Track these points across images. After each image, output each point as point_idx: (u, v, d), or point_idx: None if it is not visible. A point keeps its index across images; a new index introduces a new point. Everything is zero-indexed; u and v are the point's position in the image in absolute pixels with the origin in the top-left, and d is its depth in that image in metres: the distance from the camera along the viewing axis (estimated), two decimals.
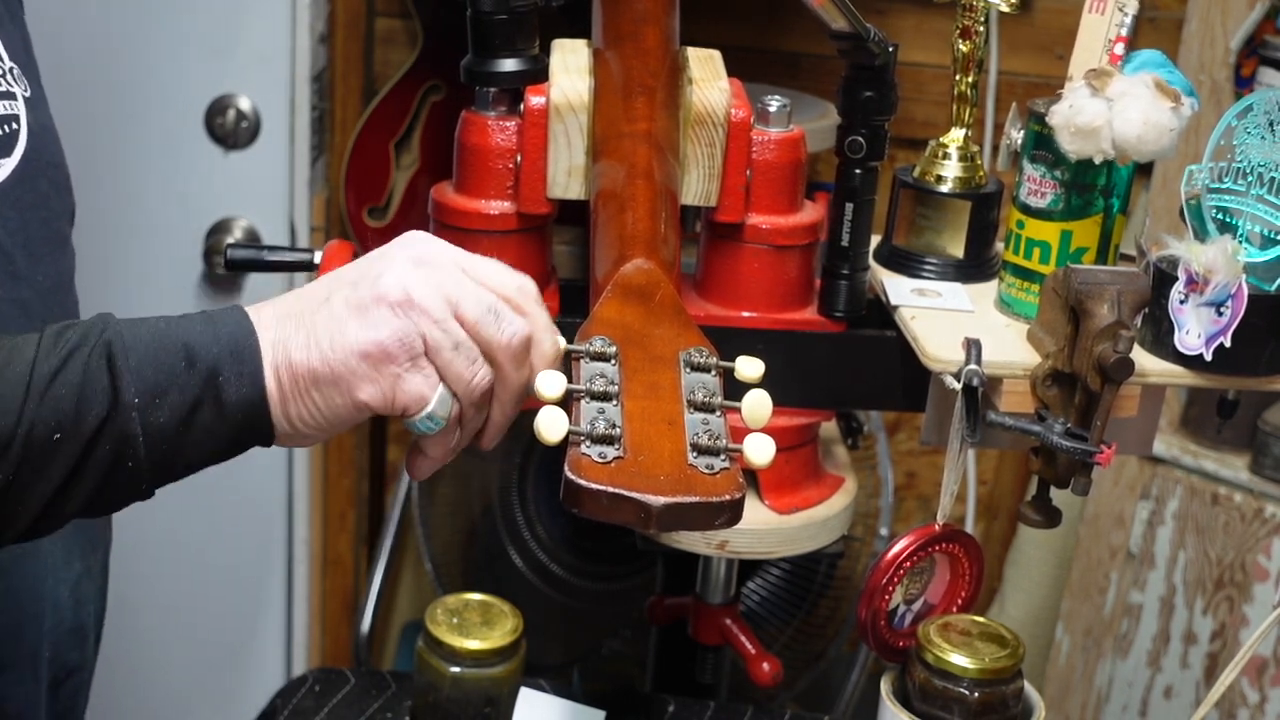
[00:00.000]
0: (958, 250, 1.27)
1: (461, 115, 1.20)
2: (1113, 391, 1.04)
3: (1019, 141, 1.20)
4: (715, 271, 1.23)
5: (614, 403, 0.79)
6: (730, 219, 1.19)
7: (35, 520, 0.80)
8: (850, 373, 1.24)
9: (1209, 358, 1.07)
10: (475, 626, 1.23)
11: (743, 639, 1.41)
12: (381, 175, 2.18)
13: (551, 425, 0.76)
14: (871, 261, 1.26)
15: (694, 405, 0.80)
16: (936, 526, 1.16)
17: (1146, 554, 2.05)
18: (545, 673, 1.73)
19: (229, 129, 1.99)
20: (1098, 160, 1.12)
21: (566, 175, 1.17)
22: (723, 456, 0.77)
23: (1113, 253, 1.19)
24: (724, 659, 1.49)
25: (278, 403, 0.82)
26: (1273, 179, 1.07)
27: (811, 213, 1.23)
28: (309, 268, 1.22)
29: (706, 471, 0.75)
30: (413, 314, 0.82)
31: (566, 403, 0.78)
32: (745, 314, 1.22)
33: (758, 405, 0.81)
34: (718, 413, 0.80)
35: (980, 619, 1.17)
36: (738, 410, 0.81)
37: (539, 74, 1.18)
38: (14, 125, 0.98)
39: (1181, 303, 1.08)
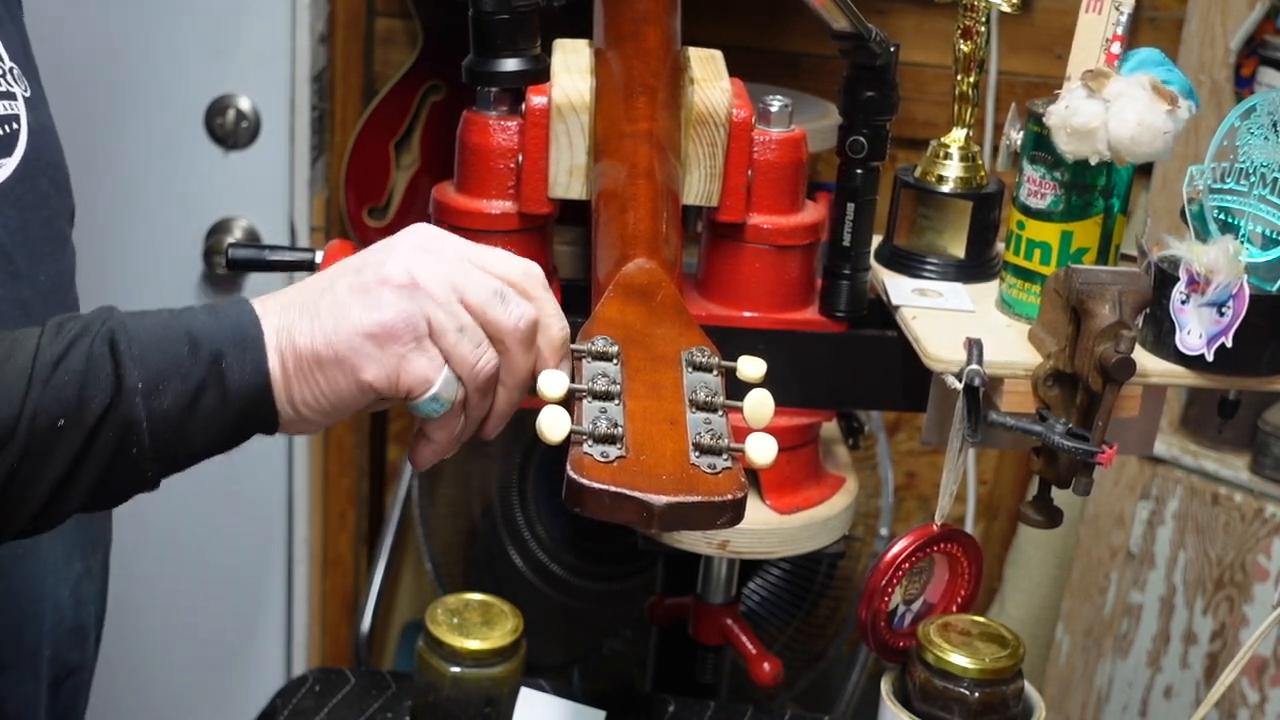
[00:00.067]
0: (959, 250, 1.27)
1: (463, 115, 1.20)
2: (1114, 391, 1.04)
3: (1019, 142, 1.20)
4: (717, 271, 1.23)
5: (616, 402, 0.79)
6: (732, 219, 1.19)
7: (39, 512, 0.80)
8: (851, 373, 1.24)
9: (1210, 358, 1.07)
10: (475, 626, 1.23)
11: (743, 639, 1.41)
12: (381, 175, 2.18)
13: (553, 424, 0.76)
14: (873, 261, 1.26)
15: (696, 405, 0.80)
16: (935, 526, 1.16)
17: (1146, 554, 2.05)
18: (545, 673, 1.73)
19: (229, 129, 1.99)
20: (1094, 161, 1.12)
21: (568, 175, 1.17)
22: (725, 456, 0.77)
23: (1113, 253, 1.19)
24: (724, 659, 1.49)
25: (281, 386, 0.82)
26: (1275, 179, 1.07)
27: (813, 213, 1.23)
28: (310, 267, 1.22)
29: (708, 471, 0.75)
30: (417, 296, 0.82)
31: (568, 402, 0.78)
32: (747, 314, 1.22)
33: (760, 405, 0.81)
34: (720, 412, 0.80)
35: (980, 619, 1.17)
36: (739, 410, 0.81)
37: (540, 74, 1.18)
38: (14, 125, 0.98)
39: (1183, 303, 1.08)
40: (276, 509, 2.17)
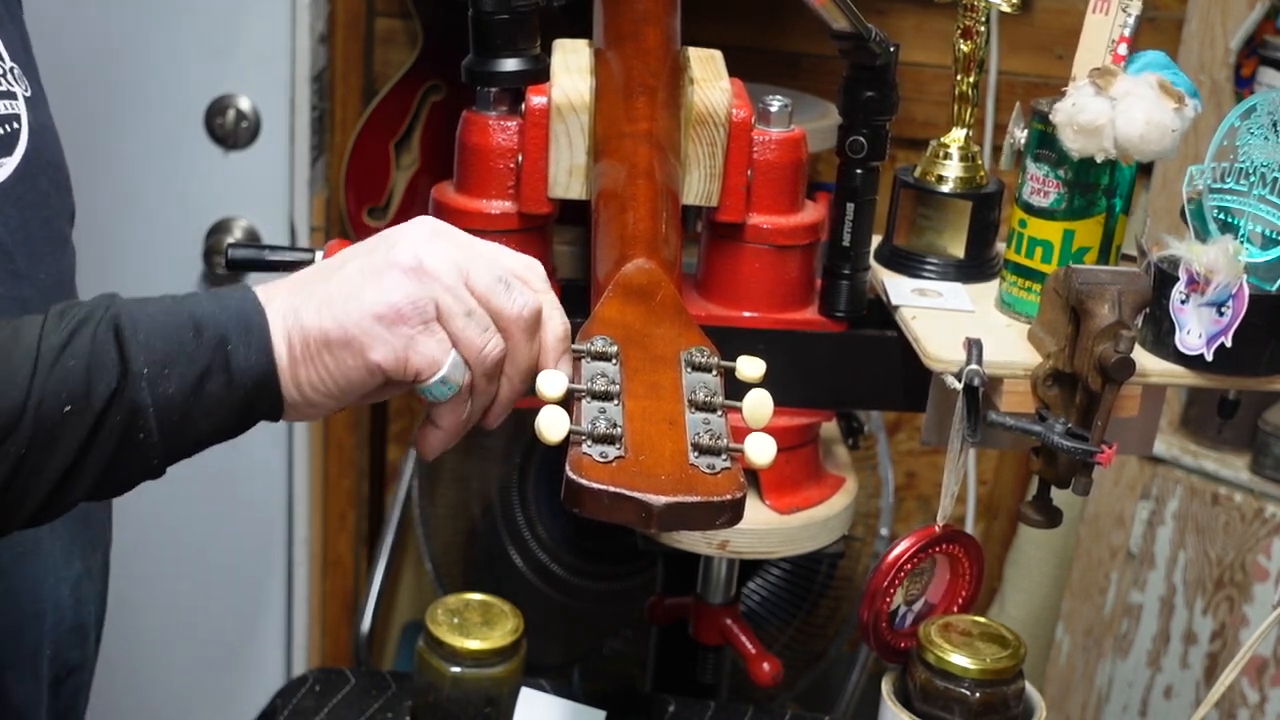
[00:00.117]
0: (958, 250, 1.27)
1: (463, 115, 1.20)
2: (1113, 391, 1.04)
3: (1022, 140, 1.20)
4: (716, 271, 1.23)
5: (615, 402, 0.79)
6: (731, 219, 1.19)
7: (46, 500, 0.80)
8: (851, 373, 1.24)
9: (1210, 358, 1.07)
10: (475, 626, 1.23)
11: (743, 639, 1.41)
12: (381, 175, 2.18)
13: (553, 425, 0.76)
14: (872, 261, 1.26)
15: (695, 405, 0.80)
16: (937, 528, 1.16)
17: (1146, 554, 2.05)
18: (545, 673, 1.73)
19: (229, 129, 1.99)
20: (1100, 159, 1.12)
21: (567, 175, 1.17)
22: (724, 456, 0.77)
23: (1114, 253, 1.19)
24: (724, 659, 1.49)
25: (287, 368, 0.82)
26: (1275, 179, 1.07)
27: (812, 213, 1.23)
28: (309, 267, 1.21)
29: (708, 471, 0.75)
30: (425, 279, 0.82)
31: (567, 402, 0.78)
32: (746, 314, 1.22)
33: (759, 405, 0.81)
34: (719, 412, 0.80)
35: (981, 619, 1.17)
36: (739, 410, 0.81)
37: (540, 74, 1.17)
38: (15, 124, 0.98)
39: (1182, 303, 1.08)
40: (276, 510, 2.17)
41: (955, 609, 1.21)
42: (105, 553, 1.17)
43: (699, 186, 1.18)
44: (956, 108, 1.28)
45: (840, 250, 1.21)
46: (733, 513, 0.75)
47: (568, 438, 0.76)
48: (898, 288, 1.23)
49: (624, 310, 0.88)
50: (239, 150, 2.01)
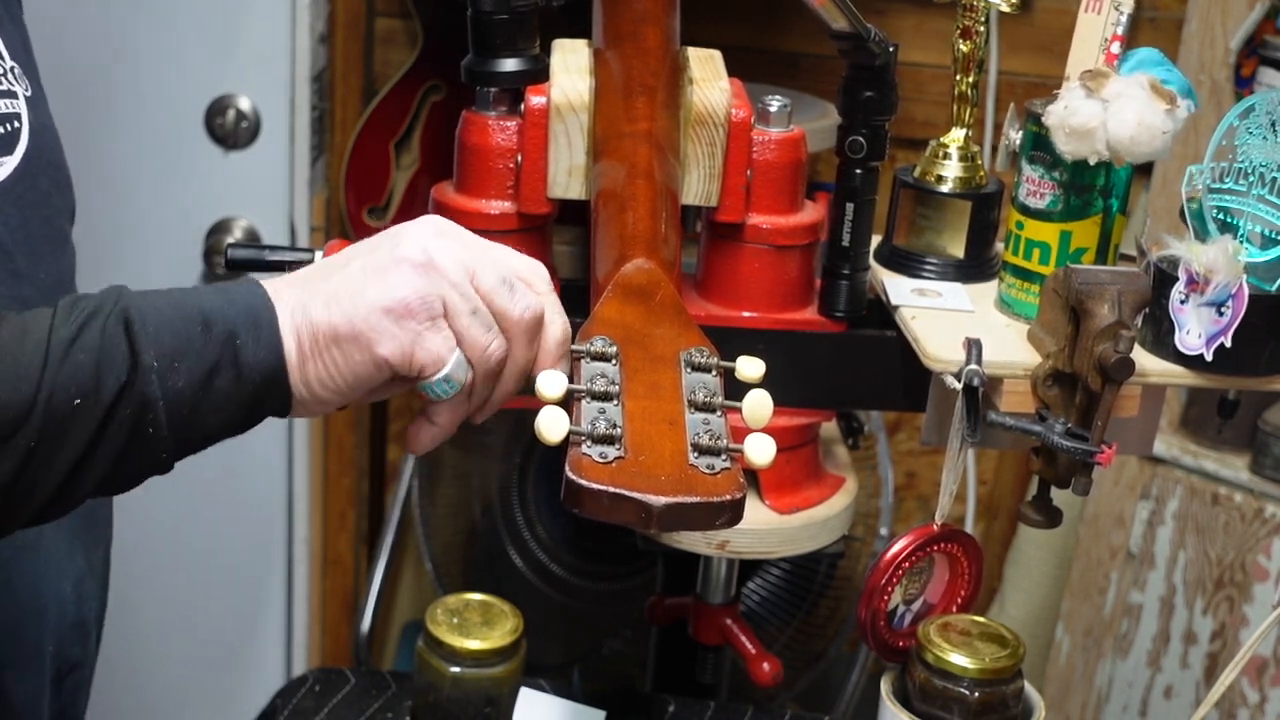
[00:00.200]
0: (958, 250, 1.27)
1: (462, 115, 1.20)
2: (1113, 391, 1.04)
3: (1017, 142, 1.20)
4: (716, 271, 1.23)
5: (615, 403, 0.79)
6: (731, 219, 1.19)
7: (55, 495, 0.80)
8: (850, 373, 1.24)
9: (1209, 358, 1.07)
10: (475, 626, 1.23)
11: (743, 639, 1.41)
12: (381, 175, 2.18)
13: (552, 425, 0.76)
14: (872, 261, 1.26)
15: (695, 405, 0.80)
16: (935, 526, 1.16)
17: (1146, 554, 2.05)
18: (545, 673, 1.73)
19: (229, 129, 1.99)
20: (1092, 161, 1.12)
21: (567, 175, 1.17)
22: (723, 456, 0.77)
23: (1113, 253, 1.19)
24: (724, 659, 1.49)
25: (296, 364, 0.82)
26: (1274, 179, 1.07)
27: (812, 213, 1.23)
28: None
29: (707, 471, 0.75)
30: (433, 275, 0.83)
31: (567, 403, 0.78)
32: (746, 314, 1.22)
33: (758, 405, 0.81)
34: (718, 413, 0.80)
35: (980, 619, 1.17)
36: (738, 410, 0.81)
37: (539, 74, 1.18)
38: (15, 124, 0.98)
39: (1182, 303, 1.08)
40: (276, 509, 2.17)
41: (954, 609, 1.21)
42: (106, 550, 1.17)
43: (698, 186, 1.18)
44: (956, 108, 1.28)
45: (840, 250, 1.21)
46: (732, 513, 0.75)
47: (567, 438, 0.76)
48: (897, 288, 1.23)
49: (624, 310, 0.88)
50: (239, 150, 2.01)
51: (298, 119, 2.00)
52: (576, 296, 1.06)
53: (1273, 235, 1.08)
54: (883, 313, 1.24)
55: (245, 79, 1.98)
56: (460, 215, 1.18)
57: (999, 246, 1.27)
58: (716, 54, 1.23)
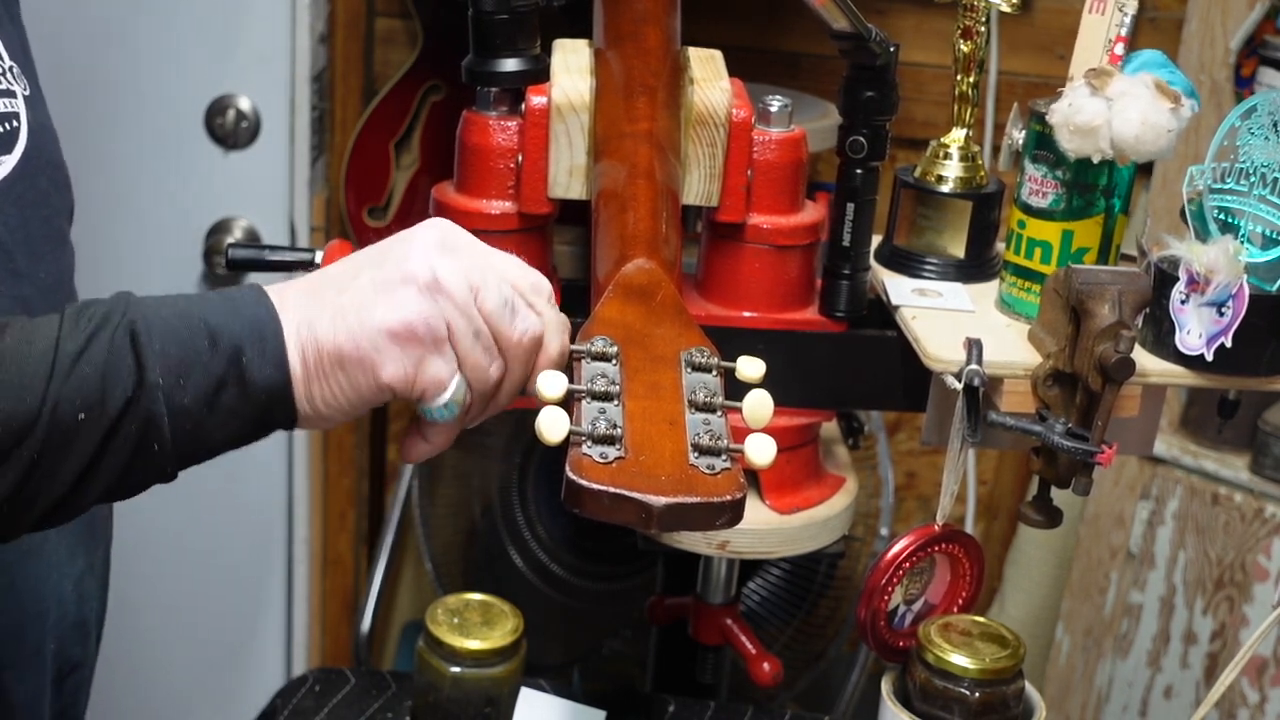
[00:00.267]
0: (958, 250, 1.27)
1: (463, 115, 1.20)
2: (1114, 391, 1.04)
3: (1020, 141, 1.20)
4: (716, 271, 1.23)
5: (615, 403, 0.79)
6: (731, 219, 1.19)
7: (58, 503, 0.80)
8: (851, 373, 1.24)
9: (1210, 358, 1.07)
10: (475, 626, 1.23)
11: (743, 639, 1.41)
12: (381, 175, 2.18)
13: (552, 425, 0.76)
14: (872, 261, 1.26)
15: (695, 405, 0.80)
16: (936, 527, 1.16)
17: (1146, 554, 2.05)
18: (545, 673, 1.73)
19: (229, 129, 1.99)
20: (1096, 160, 1.12)
21: (568, 175, 1.17)
22: (724, 457, 0.77)
23: (1114, 253, 1.19)
24: (724, 659, 1.49)
25: (301, 382, 0.82)
26: (1275, 179, 1.07)
27: (812, 213, 1.23)
28: (309, 267, 1.21)
29: (707, 472, 0.75)
30: (440, 297, 0.82)
31: (567, 403, 0.78)
32: (746, 314, 1.22)
33: (759, 405, 0.81)
34: (719, 413, 0.80)
35: (981, 619, 1.17)
36: (739, 410, 0.80)
37: (540, 74, 1.17)
38: (14, 123, 0.98)
39: (1182, 303, 1.08)
40: (276, 509, 2.17)
41: (955, 610, 1.21)
42: (106, 549, 1.17)
43: (699, 186, 1.18)
44: (956, 108, 1.28)
45: (840, 250, 1.21)
46: (733, 513, 0.75)
47: (568, 438, 0.76)
48: (898, 288, 1.23)
49: (624, 310, 0.88)
50: (239, 150, 2.01)
51: (298, 119, 2.00)
52: (577, 296, 1.06)
53: (1273, 235, 1.08)
54: (883, 313, 1.24)
55: (245, 79, 1.98)
56: (461, 215, 1.18)
57: (999, 246, 1.27)
58: (717, 54, 1.23)
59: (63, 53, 1.89)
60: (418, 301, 0.82)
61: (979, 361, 1.07)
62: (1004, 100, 2.11)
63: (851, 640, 2.17)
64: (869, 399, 1.39)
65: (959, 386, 1.08)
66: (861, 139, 1.17)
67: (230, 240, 2.01)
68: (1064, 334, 1.08)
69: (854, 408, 1.41)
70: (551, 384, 0.78)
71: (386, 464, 2.42)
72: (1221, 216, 1.10)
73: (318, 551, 2.23)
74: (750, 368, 0.83)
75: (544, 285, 0.88)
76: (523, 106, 1.17)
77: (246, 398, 0.81)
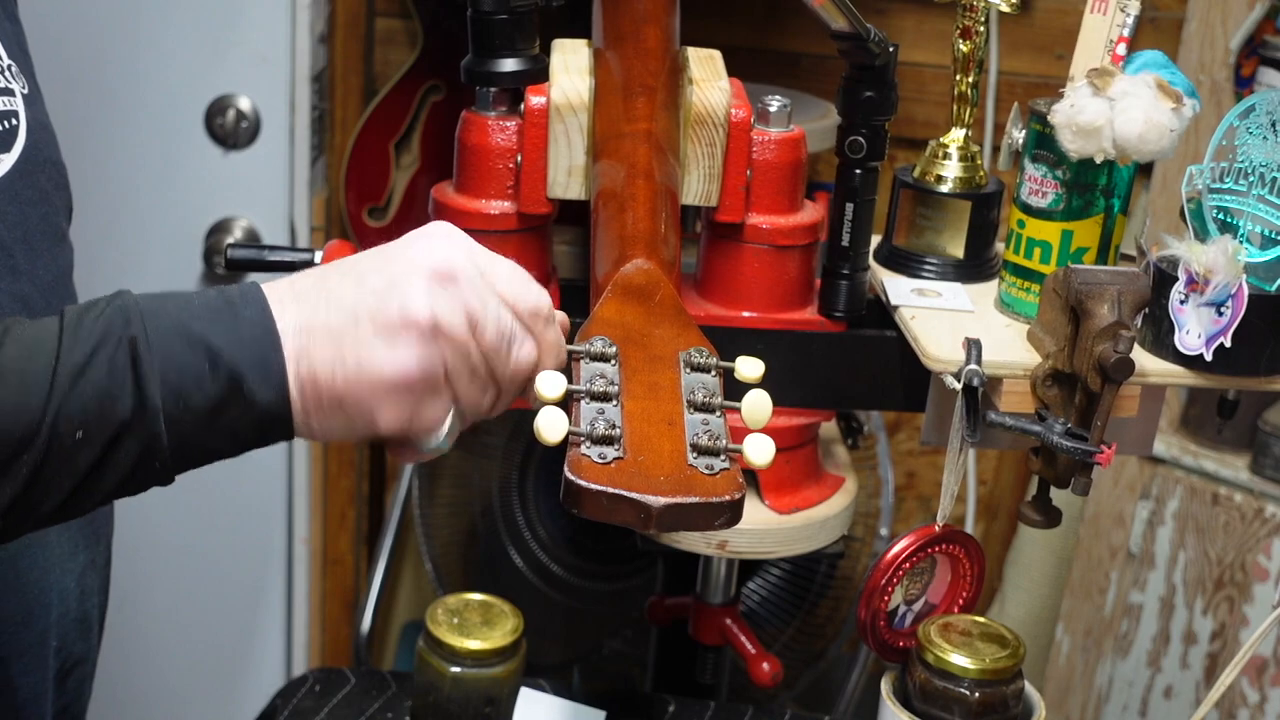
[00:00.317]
0: (958, 250, 1.27)
1: (462, 115, 1.20)
2: (1113, 391, 1.04)
3: (1020, 141, 1.20)
4: (715, 271, 1.23)
5: (614, 403, 0.79)
6: (730, 219, 1.19)
7: (56, 510, 0.80)
8: (850, 373, 1.24)
9: (1209, 358, 1.07)
10: (475, 626, 1.23)
11: (743, 639, 1.41)
12: (381, 175, 2.18)
13: (551, 426, 0.76)
14: (871, 261, 1.26)
15: (694, 405, 0.80)
16: (937, 527, 1.16)
17: (1146, 554, 2.05)
18: (545, 673, 1.73)
19: (229, 129, 1.99)
20: (1098, 160, 1.12)
21: (567, 175, 1.17)
22: (723, 457, 0.77)
23: (1113, 253, 1.19)
24: (724, 659, 1.49)
25: (300, 411, 0.82)
26: (1274, 179, 1.07)
27: (812, 213, 1.23)
28: (309, 268, 1.21)
29: (706, 472, 0.75)
30: (439, 341, 0.82)
31: (566, 403, 0.78)
32: (745, 314, 1.22)
33: (758, 405, 0.81)
34: (718, 413, 0.80)
35: (980, 619, 1.17)
36: (738, 410, 0.80)
37: (539, 74, 1.17)
38: (13, 121, 0.98)
39: (1182, 303, 1.08)
40: (276, 509, 2.17)
41: (956, 609, 1.21)
42: (108, 544, 1.17)
43: (698, 186, 1.18)
44: (956, 108, 1.28)
45: (839, 250, 1.21)
46: (731, 513, 0.75)
47: (566, 439, 0.76)
48: (897, 288, 1.23)
49: (623, 310, 0.88)
50: (239, 150, 2.01)
51: (298, 119, 2.00)
52: (576, 296, 1.06)
53: (1273, 235, 1.08)
54: (882, 313, 1.24)
55: (245, 79, 1.98)
56: (460, 215, 1.18)
57: (999, 246, 1.27)
58: (716, 54, 1.23)
59: (62, 52, 1.90)
60: (417, 348, 0.81)
61: (978, 361, 1.07)
62: (1003, 100, 2.11)
63: (851, 640, 2.17)
64: (868, 399, 1.39)
65: (958, 386, 1.08)
66: (861, 139, 1.17)
67: (230, 240, 2.01)
68: (1063, 334, 1.08)
69: (853, 408, 1.41)
70: (550, 384, 0.78)
71: (386, 464, 2.42)
72: (1220, 216, 1.10)
73: (318, 551, 2.23)
74: (749, 368, 0.83)
75: (543, 305, 0.87)
76: (522, 106, 1.17)
77: (246, 419, 0.81)
